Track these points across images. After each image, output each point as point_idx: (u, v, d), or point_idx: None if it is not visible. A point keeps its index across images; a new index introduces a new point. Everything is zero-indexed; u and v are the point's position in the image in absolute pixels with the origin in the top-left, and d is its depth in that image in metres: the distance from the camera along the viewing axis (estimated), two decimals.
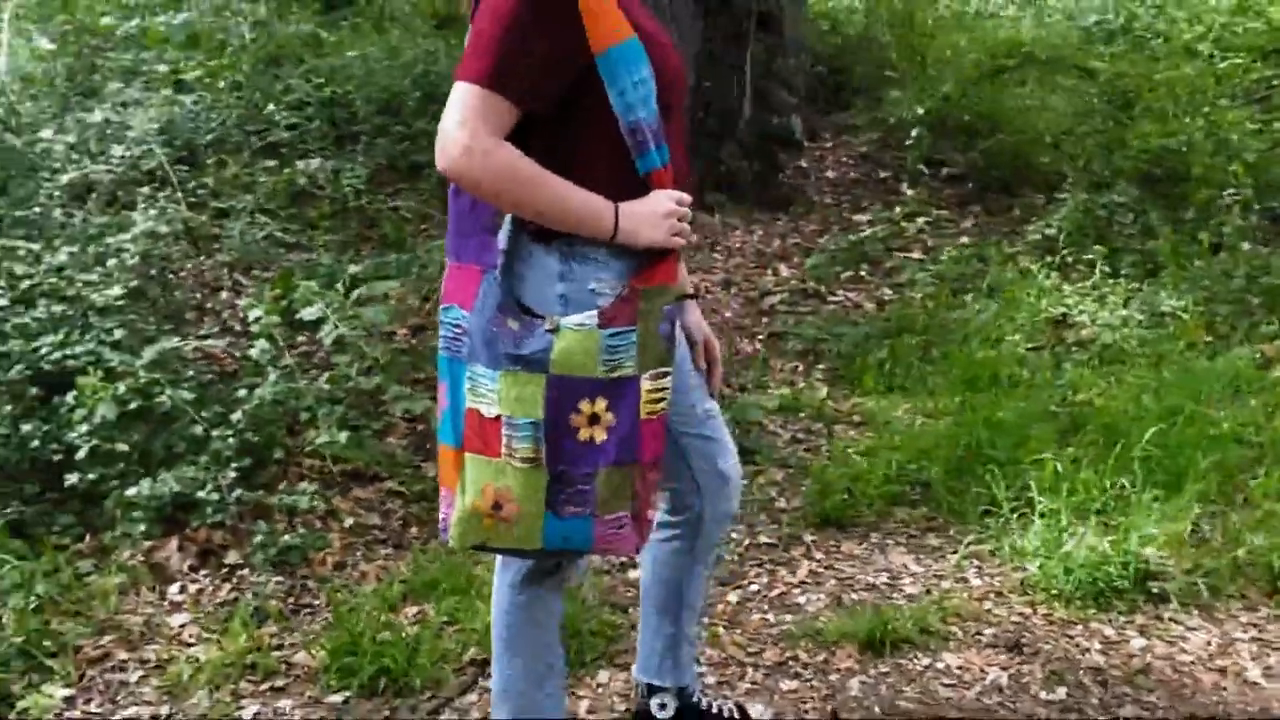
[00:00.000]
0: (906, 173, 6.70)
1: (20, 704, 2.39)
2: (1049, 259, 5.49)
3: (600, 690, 2.50)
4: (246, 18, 5.05)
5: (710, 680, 2.55)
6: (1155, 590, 2.93)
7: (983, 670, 2.60)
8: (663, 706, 2.29)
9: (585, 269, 1.80)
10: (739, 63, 6.26)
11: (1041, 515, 3.11)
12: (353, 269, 4.14)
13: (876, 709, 2.45)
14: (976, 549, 3.17)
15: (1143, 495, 3.20)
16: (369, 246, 5.00)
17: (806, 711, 2.44)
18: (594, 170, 1.77)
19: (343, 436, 3.21)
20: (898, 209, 6.28)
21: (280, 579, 2.94)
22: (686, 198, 1.83)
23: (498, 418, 1.75)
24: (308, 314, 3.32)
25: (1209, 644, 2.74)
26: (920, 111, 6.68)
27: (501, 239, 1.87)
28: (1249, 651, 2.72)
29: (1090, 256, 5.39)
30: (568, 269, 1.81)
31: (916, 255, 5.90)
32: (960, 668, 2.62)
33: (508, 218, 1.89)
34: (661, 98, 1.79)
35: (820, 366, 4.74)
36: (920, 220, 6.20)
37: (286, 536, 3.04)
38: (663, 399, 1.79)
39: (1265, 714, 2.47)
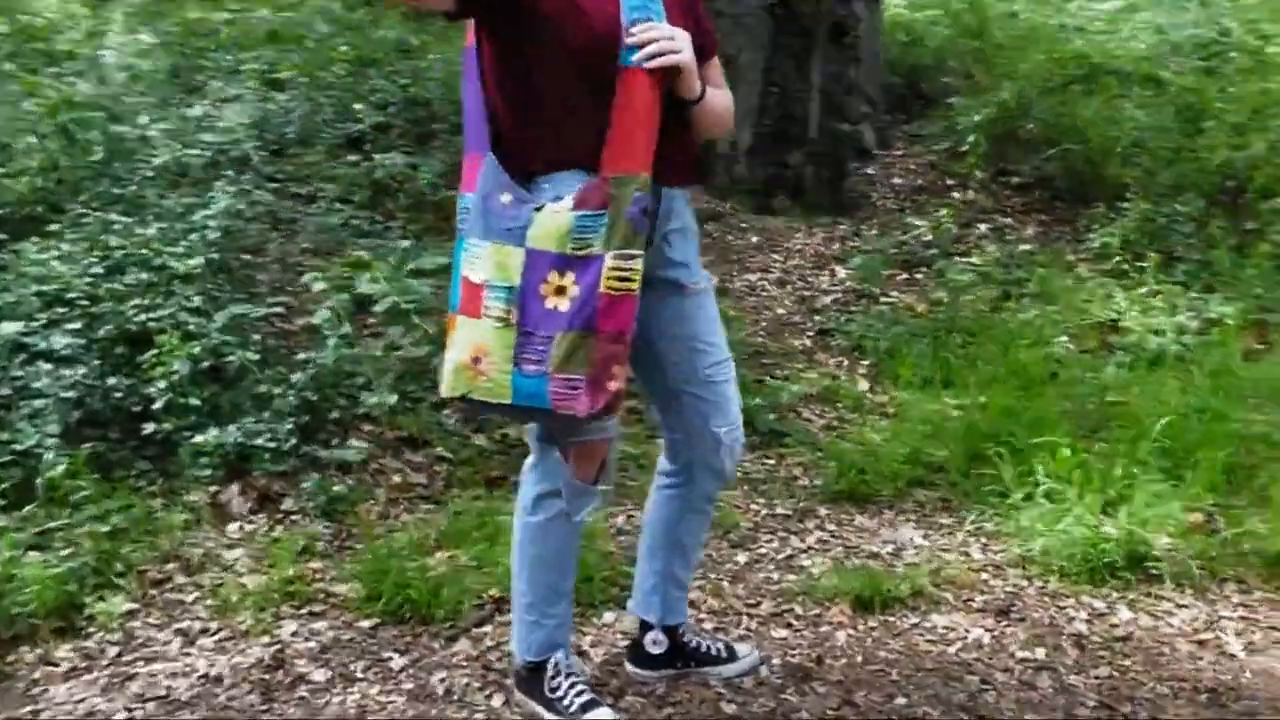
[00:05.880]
0: (970, 179, 6.80)
1: (88, 610, 2.70)
2: (1104, 265, 5.56)
3: (604, 629, 2.72)
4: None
5: (708, 626, 2.75)
6: (1154, 570, 3.04)
7: (967, 630, 2.75)
8: (655, 643, 2.51)
9: None
10: (805, 73, 6.45)
11: (1047, 496, 3.24)
12: (423, 259, 4.39)
13: (859, 658, 2.62)
14: (984, 527, 3.31)
15: (1151, 485, 3.31)
16: (443, 238, 5.29)
17: (794, 657, 2.62)
18: None
19: (392, 399, 3.47)
20: (958, 214, 6.39)
21: (328, 524, 3.21)
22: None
23: (482, 283, 2.00)
24: (365, 286, 3.61)
25: (1195, 619, 2.85)
26: (976, 119, 6.77)
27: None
28: (1234, 628, 2.82)
29: (1146, 264, 5.44)
30: None
31: (974, 260, 5.99)
32: (946, 627, 2.77)
33: None
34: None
35: (864, 362, 4.88)
36: (982, 226, 6.31)
37: (337, 487, 3.31)
38: (629, 279, 2.00)
39: (1237, 683, 2.57)
